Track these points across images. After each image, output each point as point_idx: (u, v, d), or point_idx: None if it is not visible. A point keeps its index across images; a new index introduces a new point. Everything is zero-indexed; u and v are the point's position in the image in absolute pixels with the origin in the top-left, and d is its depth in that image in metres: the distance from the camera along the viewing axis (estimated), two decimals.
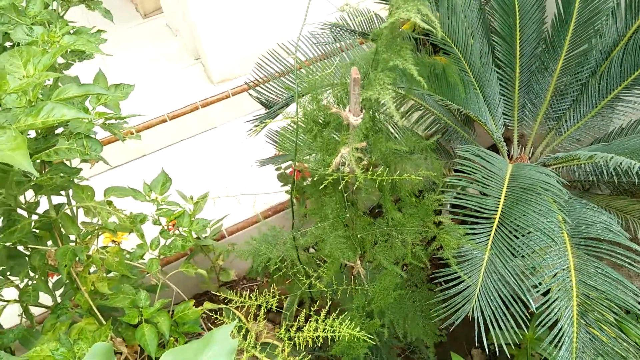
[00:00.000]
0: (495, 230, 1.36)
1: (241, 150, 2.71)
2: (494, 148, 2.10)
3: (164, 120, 2.70)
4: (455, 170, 1.54)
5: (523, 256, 1.31)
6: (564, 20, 1.99)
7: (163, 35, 3.36)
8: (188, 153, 2.76)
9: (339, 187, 1.20)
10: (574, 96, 2.02)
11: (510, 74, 2.11)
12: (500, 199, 1.42)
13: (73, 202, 1.42)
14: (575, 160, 1.78)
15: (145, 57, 3.17)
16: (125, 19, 3.54)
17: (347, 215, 1.24)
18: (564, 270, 1.36)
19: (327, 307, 1.33)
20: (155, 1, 3.47)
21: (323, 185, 1.18)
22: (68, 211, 1.42)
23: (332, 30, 2.31)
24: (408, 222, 1.18)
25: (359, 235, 1.24)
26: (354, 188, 1.21)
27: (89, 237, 1.46)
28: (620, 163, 1.39)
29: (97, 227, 1.50)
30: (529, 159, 2.15)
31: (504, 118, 2.13)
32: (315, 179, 1.27)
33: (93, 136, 1.19)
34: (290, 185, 2.31)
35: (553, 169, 1.92)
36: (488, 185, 1.43)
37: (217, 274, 2.12)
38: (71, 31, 1.28)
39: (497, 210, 1.40)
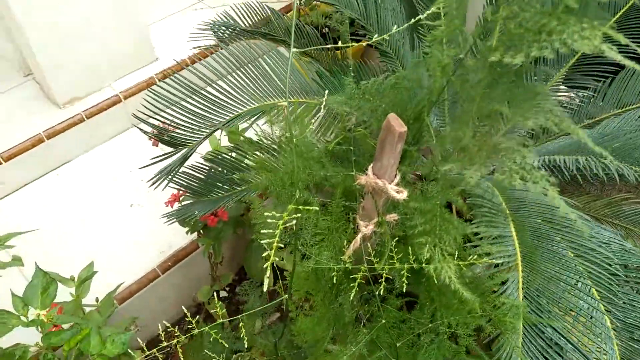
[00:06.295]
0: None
1: (111, 185, 2.11)
2: None
3: None
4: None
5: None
6: None
7: None
8: (37, 200, 2.07)
9: (356, 283, 0.81)
10: None
11: None
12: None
13: None
14: None
15: None
16: None
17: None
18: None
19: None
20: None
21: (332, 281, 0.78)
22: None
23: (215, 30, 1.83)
24: (458, 310, 0.86)
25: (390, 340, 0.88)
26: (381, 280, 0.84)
27: None
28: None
29: None
30: None
31: None
32: (316, 272, 0.86)
33: None
34: (199, 231, 1.83)
35: None
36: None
37: None
38: None
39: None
